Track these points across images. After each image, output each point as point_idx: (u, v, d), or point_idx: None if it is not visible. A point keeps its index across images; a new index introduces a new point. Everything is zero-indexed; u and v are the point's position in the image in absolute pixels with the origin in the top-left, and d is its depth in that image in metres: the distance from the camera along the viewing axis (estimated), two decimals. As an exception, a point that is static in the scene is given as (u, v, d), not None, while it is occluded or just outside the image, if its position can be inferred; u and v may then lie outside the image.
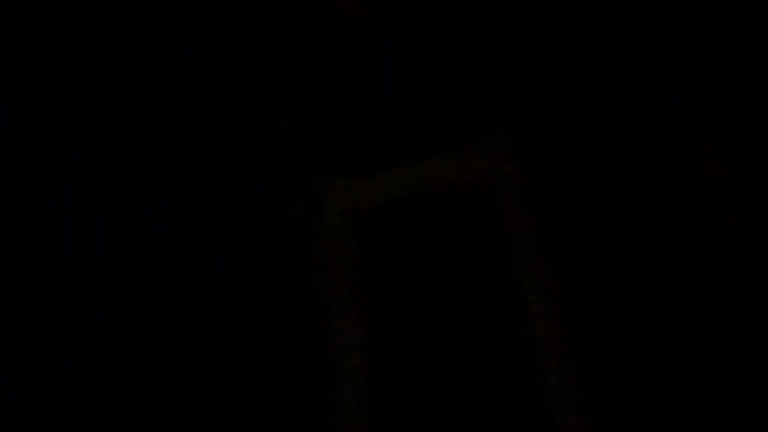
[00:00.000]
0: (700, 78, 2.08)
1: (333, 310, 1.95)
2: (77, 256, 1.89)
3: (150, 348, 1.86)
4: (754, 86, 2.07)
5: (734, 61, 2.09)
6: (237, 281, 1.96)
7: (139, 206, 1.95)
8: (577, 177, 2.04)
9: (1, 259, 1.90)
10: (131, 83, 1.97)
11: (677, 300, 1.90)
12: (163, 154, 1.99)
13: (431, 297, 2.01)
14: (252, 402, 1.86)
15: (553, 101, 2.07)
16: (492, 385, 1.91)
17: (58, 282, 1.85)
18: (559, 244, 2.00)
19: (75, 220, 1.92)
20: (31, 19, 1.98)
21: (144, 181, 1.96)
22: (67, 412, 1.75)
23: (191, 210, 1.95)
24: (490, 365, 1.93)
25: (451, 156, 2.06)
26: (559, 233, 2.01)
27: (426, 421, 1.90)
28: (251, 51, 2.02)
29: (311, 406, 1.88)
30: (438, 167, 2.06)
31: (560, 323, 1.91)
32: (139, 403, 1.79)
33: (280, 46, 2.05)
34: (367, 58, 2.09)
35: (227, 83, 2.02)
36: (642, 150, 2.00)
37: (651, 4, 2.15)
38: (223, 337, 1.91)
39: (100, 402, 1.79)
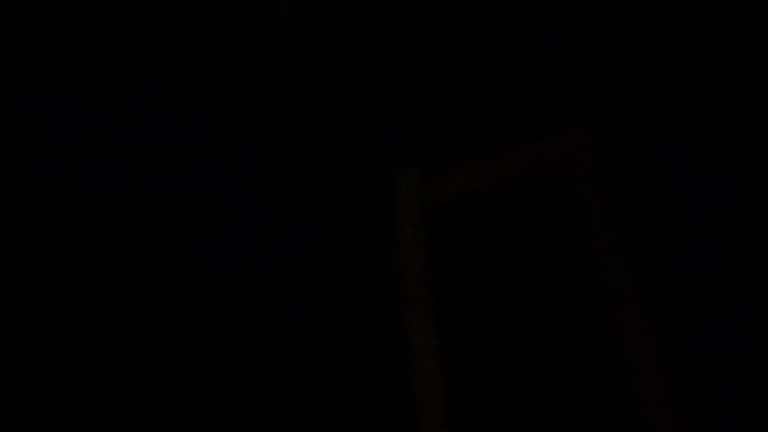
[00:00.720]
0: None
1: (407, 303, 1.94)
2: (158, 255, 1.89)
3: (236, 340, 1.86)
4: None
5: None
6: (312, 275, 1.96)
7: (222, 205, 1.95)
8: (657, 167, 2.01)
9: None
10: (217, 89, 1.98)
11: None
12: (240, 151, 1.98)
13: (507, 290, 1.99)
14: (329, 394, 1.86)
15: (631, 91, 2.06)
16: (570, 379, 1.88)
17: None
18: (639, 236, 1.97)
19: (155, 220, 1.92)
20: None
21: (224, 178, 1.96)
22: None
23: (267, 206, 1.96)
24: (568, 360, 1.90)
25: (527, 149, 2.03)
26: (640, 225, 1.98)
27: (501, 411, 1.88)
28: (322, 45, 2.01)
29: (387, 398, 1.88)
30: (513, 160, 2.04)
31: (643, 316, 1.87)
32: (232, 395, 1.80)
33: (351, 42, 2.04)
34: (437, 53, 2.08)
35: (302, 79, 2.02)
36: (723, 138, 1.98)
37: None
38: (300, 330, 1.91)
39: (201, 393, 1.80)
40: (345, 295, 1.94)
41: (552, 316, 1.97)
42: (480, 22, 2.08)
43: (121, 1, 2.03)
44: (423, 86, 2.07)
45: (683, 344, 1.86)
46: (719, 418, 1.80)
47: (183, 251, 1.88)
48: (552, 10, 2.08)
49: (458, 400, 1.91)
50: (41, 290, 1.89)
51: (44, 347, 1.84)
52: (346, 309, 1.93)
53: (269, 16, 1.98)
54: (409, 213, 1.99)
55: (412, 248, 1.95)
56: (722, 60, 2.09)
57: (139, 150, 1.95)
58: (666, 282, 1.93)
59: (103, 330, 1.85)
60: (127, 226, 1.93)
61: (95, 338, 1.83)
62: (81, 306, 1.86)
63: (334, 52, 2.02)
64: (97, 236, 1.92)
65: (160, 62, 1.96)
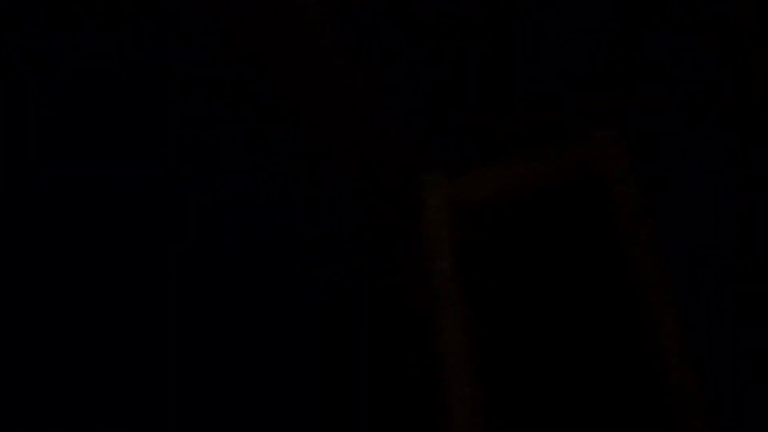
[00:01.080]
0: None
1: (436, 302, 1.93)
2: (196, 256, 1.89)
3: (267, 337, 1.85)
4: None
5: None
6: (344, 273, 1.95)
7: (246, 206, 1.94)
8: (688, 165, 1.99)
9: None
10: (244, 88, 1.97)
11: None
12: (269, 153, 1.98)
13: (535, 287, 1.97)
14: (361, 389, 1.84)
15: (659, 89, 2.05)
16: (604, 377, 1.85)
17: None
18: (671, 233, 1.95)
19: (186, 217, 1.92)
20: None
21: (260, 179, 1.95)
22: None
23: (293, 207, 1.95)
24: (600, 357, 1.88)
25: (555, 149, 2.02)
26: (671, 221, 1.95)
27: (533, 407, 1.85)
28: (348, 48, 2.01)
29: (418, 392, 1.86)
30: (543, 160, 2.03)
31: (674, 310, 1.85)
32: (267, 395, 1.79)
33: (378, 44, 2.04)
34: (464, 56, 2.08)
35: (329, 82, 2.02)
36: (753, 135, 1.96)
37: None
38: (326, 331, 1.89)
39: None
40: (372, 295, 1.93)
41: (581, 314, 1.96)
42: (506, 27, 2.08)
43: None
44: (451, 88, 2.07)
45: (714, 340, 1.85)
46: (747, 410, 1.80)
47: (201, 253, 1.88)
48: (578, 14, 2.08)
49: (488, 400, 1.89)
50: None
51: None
52: (373, 309, 1.92)
53: (296, 18, 1.98)
54: (437, 213, 1.99)
55: (440, 247, 1.95)
56: (737, 60, 2.11)
57: (157, 150, 1.95)
58: (695, 274, 1.92)
59: (123, 327, 1.84)
60: (153, 228, 1.92)
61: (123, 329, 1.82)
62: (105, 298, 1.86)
63: (360, 56, 2.02)
64: (126, 236, 1.91)
65: (179, 61, 1.96)
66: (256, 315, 1.90)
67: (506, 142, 2.08)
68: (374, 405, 1.83)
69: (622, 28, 2.11)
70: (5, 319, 1.86)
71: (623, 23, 2.10)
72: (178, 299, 1.89)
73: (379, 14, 2.01)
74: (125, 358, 1.85)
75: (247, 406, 1.80)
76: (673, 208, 1.99)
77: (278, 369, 1.85)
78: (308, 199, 1.95)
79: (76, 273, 1.91)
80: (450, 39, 2.07)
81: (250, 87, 1.98)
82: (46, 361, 1.86)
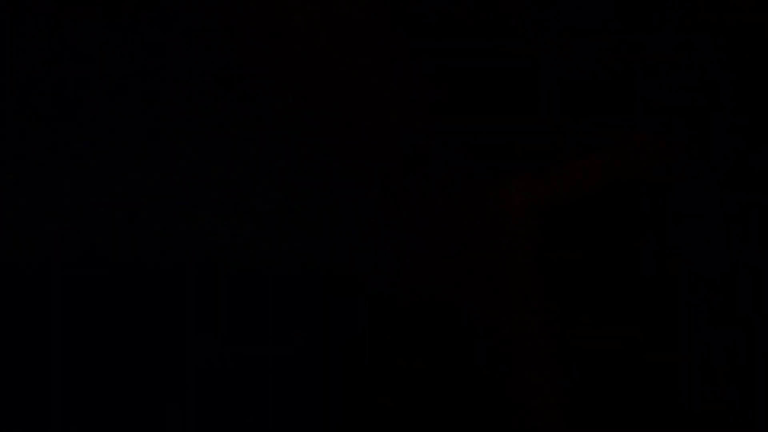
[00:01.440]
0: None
1: (513, 311, 1.93)
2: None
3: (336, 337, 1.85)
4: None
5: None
6: (416, 280, 1.95)
7: (325, 211, 1.94)
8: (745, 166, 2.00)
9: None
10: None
11: None
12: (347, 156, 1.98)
13: (613, 290, 1.98)
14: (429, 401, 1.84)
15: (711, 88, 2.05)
16: (663, 378, 1.86)
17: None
18: (731, 238, 1.96)
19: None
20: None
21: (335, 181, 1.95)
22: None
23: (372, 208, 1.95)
24: (661, 360, 1.89)
25: (619, 150, 2.03)
26: (732, 224, 1.96)
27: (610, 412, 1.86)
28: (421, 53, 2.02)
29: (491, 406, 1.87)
30: (611, 161, 2.03)
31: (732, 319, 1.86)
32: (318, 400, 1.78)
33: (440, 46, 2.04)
34: (536, 56, 2.08)
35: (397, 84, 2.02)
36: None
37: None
38: (400, 337, 1.90)
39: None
40: (449, 300, 1.93)
41: (648, 306, 1.96)
42: (566, 32, 2.08)
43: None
44: (530, 94, 2.07)
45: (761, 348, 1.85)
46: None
47: (282, 258, 1.88)
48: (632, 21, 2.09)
49: (570, 406, 1.89)
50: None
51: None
52: (449, 315, 1.92)
53: (363, 18, 1.98)
54: (517, 215, 1.99)
55: (521, 252, 1.95)
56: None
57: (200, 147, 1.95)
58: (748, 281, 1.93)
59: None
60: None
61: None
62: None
63: (411, 54, 2.02)
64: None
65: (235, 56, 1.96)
66: (320, 319, 1.89)
67: (556, 151, 2.10)
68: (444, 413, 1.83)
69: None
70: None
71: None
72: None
73: (442, 14, 2.01)
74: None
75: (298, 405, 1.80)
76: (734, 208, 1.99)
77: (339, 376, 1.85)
78: (381, 201, 1.94)
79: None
80: (509, 43, 2.08)
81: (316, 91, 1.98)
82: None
